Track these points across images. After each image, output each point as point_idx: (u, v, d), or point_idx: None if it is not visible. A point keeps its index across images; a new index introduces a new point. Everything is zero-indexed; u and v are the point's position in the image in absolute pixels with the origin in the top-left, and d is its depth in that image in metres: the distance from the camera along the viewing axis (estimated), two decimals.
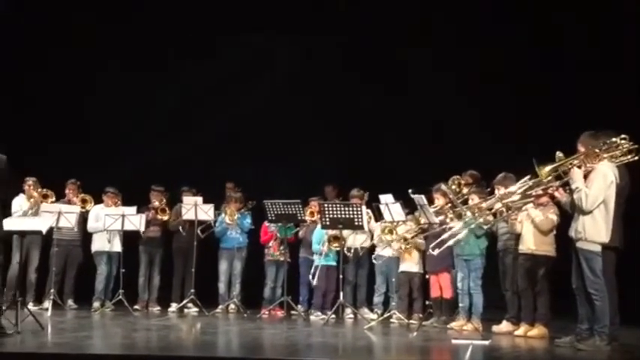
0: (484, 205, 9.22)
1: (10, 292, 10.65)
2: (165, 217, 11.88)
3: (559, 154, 8.11)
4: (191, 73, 13.36)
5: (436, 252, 9.34)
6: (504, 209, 9.16)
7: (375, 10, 12.84)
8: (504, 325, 9.43)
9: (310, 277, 11.23)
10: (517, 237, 9.23)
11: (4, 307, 8.49)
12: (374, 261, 10.91)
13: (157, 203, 11.88)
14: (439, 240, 9.31)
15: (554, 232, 9.03)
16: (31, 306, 10.43)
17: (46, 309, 10.75)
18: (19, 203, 11.26)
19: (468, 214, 9.45)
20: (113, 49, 13.17)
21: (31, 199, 11.21)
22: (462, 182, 10.30)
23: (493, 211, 9.25)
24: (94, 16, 13.11)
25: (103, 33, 13.09)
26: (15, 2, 12.92)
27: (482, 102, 12.30)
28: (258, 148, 13.21)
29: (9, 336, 7.82)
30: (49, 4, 13.00)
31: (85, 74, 13.05)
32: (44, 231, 9.22)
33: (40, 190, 11.36)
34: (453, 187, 10.21)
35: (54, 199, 11.34)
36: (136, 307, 11.53)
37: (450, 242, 9.30)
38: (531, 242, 9.02)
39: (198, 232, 11.50)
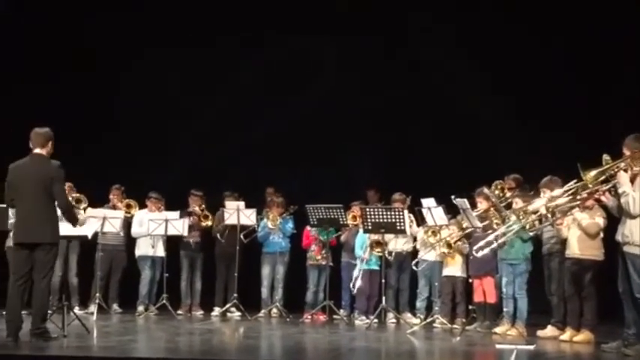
0: (530, 208, 9.09)
1: (54, 297, 10.84)
2: (209, 223, 11.92)
3: (606, 156, 8.00)
4: (234, 78, 13.40)
5: (480, 254, 9.27)
6: (549, 214, 9.04)
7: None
8: (549, 330, 9.33)
9: (351, 285, 11.20)
10: (563, 241, 9.10)
11: (50, 312, 8.62)
12: (414, 267, 10.86)
13: (196, 209, 11.93)
14: (484, 242, 9.23)
15: (601, 235, 8.90)
16: (76, 310, 10.56)
17: (92, 313, 10.88)
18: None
19: (512, 217, 9.36)
20: (160, 53, 13.24)
21: None
22: (505, 186, 10.21)
23: (539, 215, 9.11)
24: (140, 15, 13.24)
25: (149, 33, 13.18)
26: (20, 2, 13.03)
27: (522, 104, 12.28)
28: (300, 152, 13.20)
29: (55, 339, 7.94)
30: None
31: (126, 77, 13.11)
32: (90, 235, 9.35)
33: (73, 195, 11.48)
34: (496, 191, 10.11)
35: (86, 204, 11.37)
36: (180, 311, 11.61)
37: (495, 245, 9.22)
38: (578, 246, 8.88)
39: (241, 237, 11.54)
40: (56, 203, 8.07)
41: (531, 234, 9.40)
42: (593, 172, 7.93)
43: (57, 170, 8.05)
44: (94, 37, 13.12)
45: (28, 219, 7.96)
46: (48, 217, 8.00)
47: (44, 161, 8.08)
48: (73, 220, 8.52)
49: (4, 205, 9.59)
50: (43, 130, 8.15)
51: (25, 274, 7.93)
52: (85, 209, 11.24)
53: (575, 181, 8.56)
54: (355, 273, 11.12)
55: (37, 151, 8.09)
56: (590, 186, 8.09)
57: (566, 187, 8.77)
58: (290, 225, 11.88)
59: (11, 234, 9.97)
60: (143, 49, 13.21)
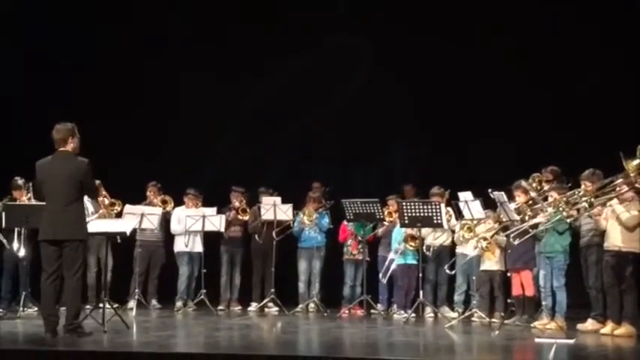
0: (570, 199, 8.99)
1: (92, 292, 10.95)
2: (246, 217, 11.94)
3: None
4: (274, 74, 13.42)
5: (517, 242, 9.22)
6: (587, 205, 8.92)
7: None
8: (590, 324, 9.24)
9: (380, 275, 11.20)
10: (602, 233, 9.00)
11: (87, 307, 8.71)
12: (447, 271, 10.80)
13: (237, 204, 11.98)
14: (521, 229, 9.18)
15: None
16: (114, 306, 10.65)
17: (131, 309, 10.97)
18: (85, 206, 11.41)
19: (549, 210, 9.28)
20: (197, 51, 13.28)
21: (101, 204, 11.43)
22: (543, 179, 10.11)
23: (578, 207, 9.01)
24: (178, 17, 13.32)
25: (185, 35, 13.25)
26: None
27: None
28: (340, 147, 13.24)
29: (89, 335, 7.98)
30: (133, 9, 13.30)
31: (167, 74, 13.18)
32: (128, 232, 9.41)
33: (104, 193, 11.57)
34: (534, 184, 10.02)
35: (120, 208, 11.41)
36: (220, 307, 11.66)
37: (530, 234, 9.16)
38: (617, 239, 8.78)
39: (274, 234, 11.54)
40: (86, 198, 8.11)
41: (567, 226, 9.30)
42: (635, 162, 7.80)
43: (85, 168, 8.02)
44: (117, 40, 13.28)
45: (55, 216, 7.95)
46: (76, 215, 8.02)
47: (70, 159, 8.04)
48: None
49: (44, 203, 9.69)
50: (63, 127, 8.06)
51: (56, 271, 7.96)
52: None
53: (616, 176, 8.44)
54: (391, 265, 11.09)
55: (62, 148, 8.05)
56: (632, 175, 7.96)
57: (607, 180, 8.66)
58: (326, 220, 11.87)
59: None
60: (178, 46, 13.30)
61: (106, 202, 11.21)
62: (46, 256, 8.02)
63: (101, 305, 8.88)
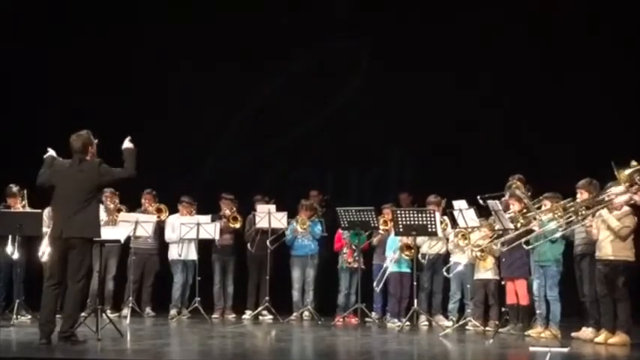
0: (567, 206, 9.01)
1: (92, 299, 10.92)
2: (238, 225, 11.92)
3: (633, 162, 7.93)
4: (266, 82, 13.42)
5: (504, 249, 9.26)
6: (576, 216, 8.94)
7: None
8: (584, 332, 9.25)
9: (375, 283, 11.20)
10: (595, 242, 9.02)
11: (83, 315, 8.69)
12: (445, 273, 10.79)
13: (227, 212, 11.94)
14: (513, 235, 9.21)
15: (632, 236, 8.80)
16: (109, 313, 10.65)
17: (125, 317, 10.95)
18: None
19: (543, 218, 9.30)
20: (189, 52, 13.29)
21: (108, 210, 11.45)
22: (521, 184, 10.09)
23: (571, 218, 9.03)
24: (174, 15, 13.33)
25: (180, 34, 13.26)
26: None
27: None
28: (335, 153, 13.25)
29: (82, 343, 7.96)
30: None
31: (166, 74, 13.18)
32: (122, 240, 9.41)
33: (116, 201, 11.59)
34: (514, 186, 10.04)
35: (126, 212, 11.49)
36: (215, 315, 11.65)
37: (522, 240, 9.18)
38: (609, 248, 8.78)
39: (268, 243, 11.54)
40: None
41: (559, 235, 9.32)
42: (627, 171, 7.84)
43: (98, 169, 8.05)
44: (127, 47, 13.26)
45: (65, 219, 7.91)
46: (88, 215, 7.99)
47: (86, 164, 8.06)
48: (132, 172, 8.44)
49: (39, 210, 9.70)
50: (79, 136, 8.13)
51: (62, 281, 7.95)
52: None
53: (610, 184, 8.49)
54: (379, 275, 11.10)
55: (79, 155, 8.08)
56: (623, 185, 8.00)
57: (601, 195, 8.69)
58: (319, 227, 11.86)
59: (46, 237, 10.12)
60: (177, 47, 13.31)
61: (112, 206, 11.34)
62: (51, 261, 8.05)
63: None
